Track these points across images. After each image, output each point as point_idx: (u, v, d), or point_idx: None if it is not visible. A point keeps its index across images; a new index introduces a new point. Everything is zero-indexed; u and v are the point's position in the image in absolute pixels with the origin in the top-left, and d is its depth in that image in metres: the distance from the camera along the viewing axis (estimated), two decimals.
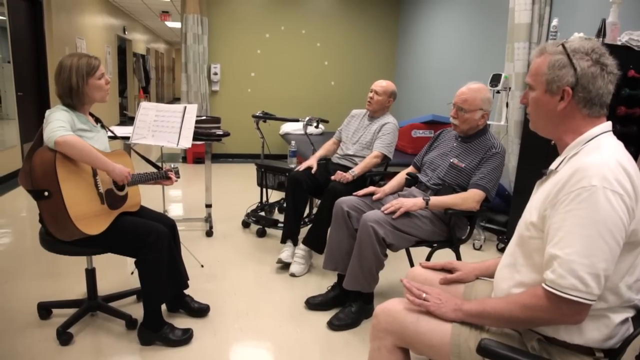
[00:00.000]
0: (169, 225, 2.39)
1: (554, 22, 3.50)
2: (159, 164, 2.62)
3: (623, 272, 1.15)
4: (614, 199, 1.08)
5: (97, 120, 2.36)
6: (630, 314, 1.21)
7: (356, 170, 3.13)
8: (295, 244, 3.28)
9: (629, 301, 1.19)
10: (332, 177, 3.10)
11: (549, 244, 1.15)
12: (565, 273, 1.09)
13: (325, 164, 3.51)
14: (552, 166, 1.28)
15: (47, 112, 2.07)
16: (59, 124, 1.97)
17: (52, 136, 1.92)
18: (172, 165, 2.65)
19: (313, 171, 3.34)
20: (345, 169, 3.28)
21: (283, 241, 3.30)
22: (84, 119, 2.19)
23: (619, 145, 1.22)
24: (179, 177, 2.64)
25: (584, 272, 1.08)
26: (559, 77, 1.22)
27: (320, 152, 3.54)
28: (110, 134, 2.48)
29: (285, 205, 3.37)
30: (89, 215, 2.05)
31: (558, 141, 1.30)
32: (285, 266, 3.20)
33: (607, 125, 1.25)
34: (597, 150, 1.17)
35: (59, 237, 2.08)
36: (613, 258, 1.10)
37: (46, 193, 1.95)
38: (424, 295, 1.37)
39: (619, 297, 1.16)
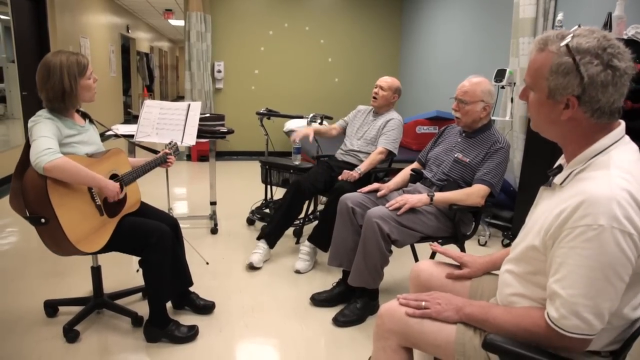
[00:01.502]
0: (171, 225, 2.38)
1: (559, 16, 3.48)
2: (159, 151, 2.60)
3: (628, 299, 1.11)
4: (623, 239, 1.00)
5: (85, 115, 2.25)
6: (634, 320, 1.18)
7: (362, 167, 3.12)
8: (271, 247, 3.24)
9: (634, 319, 1.16)
10: (339, 177, 3.10)
11: (551, 277, 1.10)
12: (568, 314, 1.06)
13: (329, 160, 3.51)
14: (557, 180, 1.19)
15: (30, 123, 1.94)
16: (44, 144, 1.84)
17: (39, 162, 1.79)
18: (169, 143, 2.60)
19: (310, 140, 3.31)
20: (350, 165, 3.27)
21: (259, 238, 3.26)
22: (70, 124, 2.08)
23: (632, 156, 1.11)
24: (178, 153, 2.60)
25: (587, 312, 1.04)
26: (563, 85, 1.08)
27: (320, 128, 3.47)
28: (105, 130, 2.39)
29: (280, 205, 3.31)
30: (89, 233, 2.00)
31: (563, 146, 1.21)
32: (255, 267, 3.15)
33: (619, 131, 1.13)
34: (606, 172, 1.06)
35: (60, 255, 2.07)
36: (618, 296, 1.05)
37: (43, 220, 1.86)
38: (423, 304, 1.36)
39: (624, 319, 1.14)
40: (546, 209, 1.18)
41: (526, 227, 1.29)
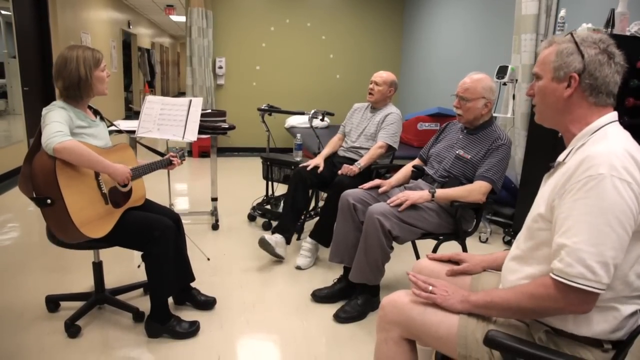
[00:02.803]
0: (173, 220, 2.38)
1: (562, 12, 3.46)
2: (164, 153, 2.61)
3: (632, 261, 1.14)
4: (622, 187, 1.07)
5: (96, 112, 2.32)
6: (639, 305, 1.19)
7: (362, 162, 3.12)
8: (287, 242, 3.21)
9: (638, 290, 1.17)
10: (339, 172, 3.09)
11: (556, 233, 1.14)
12: (573, 262, 1.08)
13: (331, 157, 3.50)
14: (560, 158, 1.26)
15: (44, 111, 2.02)
16: (56, 127, 1.91)
17: (50, 143, 1.86)
18: (176, 149, 2.62)
19: (319, 170, 3.31)
20: (351, 161, 3.27)
21: (273, 232, 3.24)
22: (82, 115, 2.15)
23: (626, 134, 1.21)
24: (184, 159, 2.61)
25: (592, 260, 1.07)
26: (567, 63, 1.22)
27: (327, 150, 3.50)
28: (109, 125, 2.43)
29: (284, 199, 3.32)
30: (94, 218, 2.04)
31: (564, 132, 1.29)
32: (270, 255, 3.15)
33: (614, 115, 1.24)
34: (604, 139, 1.16)
35: (65, 241, 2.08)
36: (622, 246, 1.08)
37: (49, 200, 1.91)
38: (430, 288, 1.37)
39: (628, 286, 1.15)
40: (550, 183, 1.25)
41: (530, 212, 1.33)
